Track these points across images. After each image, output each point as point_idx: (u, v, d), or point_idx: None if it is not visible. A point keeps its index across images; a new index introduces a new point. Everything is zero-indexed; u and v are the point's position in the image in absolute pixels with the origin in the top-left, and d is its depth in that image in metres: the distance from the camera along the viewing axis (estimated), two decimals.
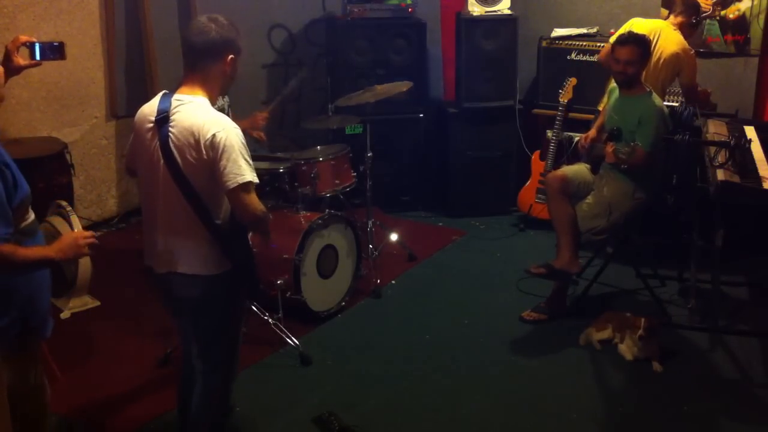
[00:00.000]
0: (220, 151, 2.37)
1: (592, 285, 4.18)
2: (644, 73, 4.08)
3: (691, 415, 3.27)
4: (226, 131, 2.40)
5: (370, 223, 4.60)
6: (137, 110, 2.57)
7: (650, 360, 3.61)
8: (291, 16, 5.86)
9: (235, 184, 2.39)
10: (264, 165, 4.12)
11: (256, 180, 2.45)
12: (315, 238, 4.01)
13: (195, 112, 2.42)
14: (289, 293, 3.89)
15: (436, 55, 6.04)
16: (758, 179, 3.51)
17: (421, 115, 5.59)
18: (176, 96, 2.47)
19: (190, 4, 5.49)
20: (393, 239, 4.98)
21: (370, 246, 4.55)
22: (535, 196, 5.34)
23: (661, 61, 4.41)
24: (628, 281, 4.37)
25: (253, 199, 2.46)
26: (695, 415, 3.28)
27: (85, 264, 3.98)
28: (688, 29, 4.61)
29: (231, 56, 2.49)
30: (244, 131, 2.52)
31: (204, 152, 2.38)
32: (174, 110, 2.43)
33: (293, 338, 3.72)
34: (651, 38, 4.38)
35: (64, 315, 4.05)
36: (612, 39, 4.46)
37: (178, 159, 2.40)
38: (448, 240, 5.23)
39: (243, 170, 2.40)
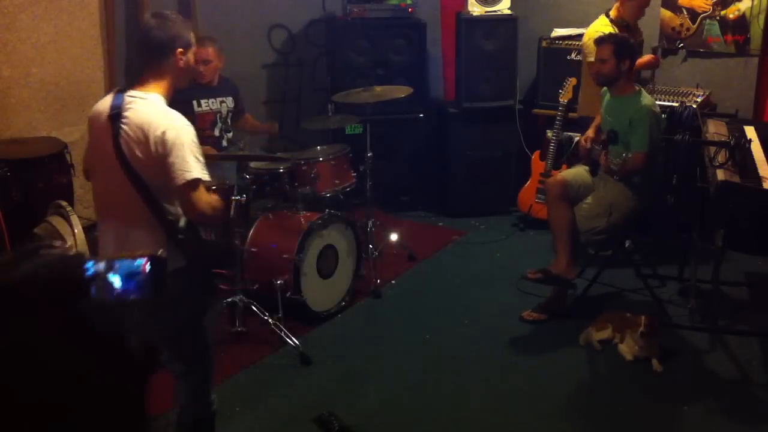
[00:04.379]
0: (168, 148, 2.36)
1: (592, 285, 4.18)
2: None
3: (691, 415, 3.28)
4: (176, 129, 2.39)
5: (370, 223, 4.60)
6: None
7: (650, 360, 3.61)
8: (291, 16, 5.85)
9: (183, 181, 2.37)
10: (264, 165, 4.12)
11: (205, 177, 2.42)
12: (315, 238, 4.01)
13: (146, 109, 2.41)
14: (289, 293, 3.89)
15: (436, 55, 6.03)
16: (758, 179, 3.51)
17: (421, 115, 5.59)
18: (129, 93, 2.45)
19: (190, 3, 5.48)
20: (393, 239, 4.97)
21: (370, 246, 4.54)
22: (535, 196, 5.34)
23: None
24: (628, 281, 4.37)
25: (201, 197, 2.44)
26: (695, 415, 3.28)
27: None
28: (630, 8, 4.59)
29: (179, 50, 2.47)
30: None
31: (154, 148, 2.36)
32: (126, 107, 2.42)
33: (293, 338, 3.72)
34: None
35: None
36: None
37: (129, 155, 2.39)
38: (448, 240, 5.22)
39: (190, 167, 2.38)
